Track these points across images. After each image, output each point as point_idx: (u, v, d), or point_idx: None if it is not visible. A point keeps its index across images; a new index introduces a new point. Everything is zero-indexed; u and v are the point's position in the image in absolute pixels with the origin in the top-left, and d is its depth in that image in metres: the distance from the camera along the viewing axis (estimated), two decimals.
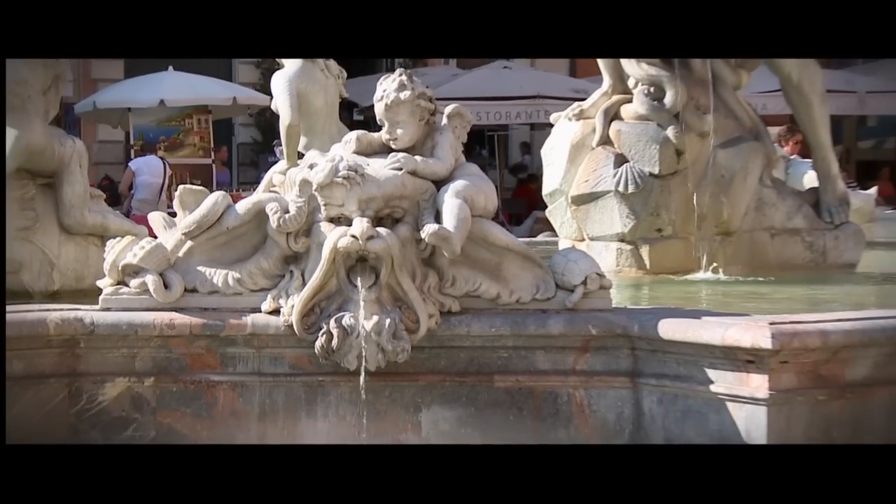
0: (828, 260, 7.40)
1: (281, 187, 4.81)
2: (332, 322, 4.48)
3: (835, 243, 7.44)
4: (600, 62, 7.48)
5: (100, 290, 4.72)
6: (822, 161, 7.79)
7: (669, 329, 4.50)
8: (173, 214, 4.97)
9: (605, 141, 7.19)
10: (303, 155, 5.44)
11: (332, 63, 8.28)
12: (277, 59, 8.36)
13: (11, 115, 5.61)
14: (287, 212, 4.57)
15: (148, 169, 17.41)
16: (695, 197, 7.01)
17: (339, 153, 4.65)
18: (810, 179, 8.50)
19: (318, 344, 4.49)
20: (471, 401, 4.64)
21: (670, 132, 6.97)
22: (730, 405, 4.38)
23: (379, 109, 4.80)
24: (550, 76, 22.37)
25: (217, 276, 4.65)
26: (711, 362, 4.41)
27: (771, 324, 4.29)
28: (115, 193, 18.13)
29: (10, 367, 4.56)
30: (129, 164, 18.29)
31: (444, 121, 4.82)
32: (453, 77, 21.94)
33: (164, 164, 17.72)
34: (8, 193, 5.72)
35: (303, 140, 7.81)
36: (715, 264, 7.12)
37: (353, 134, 4.88)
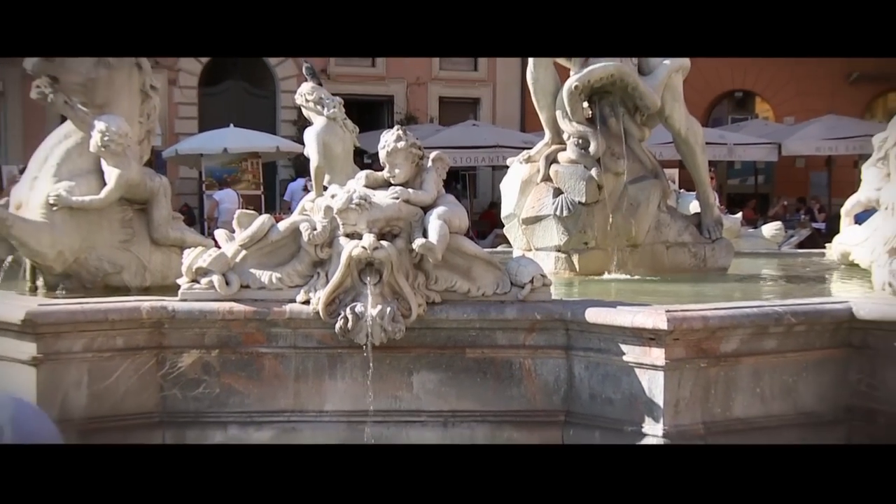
0: (707, 265, 7.40)
1: (311, 212, 4.79)
2: (347, 310, 4.47)
3: (712, 253, 7.44)
4: (543, 121, 7.44)
5: (178, 287, 4.70)
6: (703, 194, 7.79)
7: (593, 315, 4.49)
8: None
9: (547, 178, 7.16)
10: (327, 188, 5.42)
11: (348, 121, 8.28)
12: (308, 117, 8.34)
13: (116, 159, 5.57)
14: (315, 229, 4.56)
15: (227, 199, 17.83)
16: (611, 219, 7.00)
17: (353, 187, 4.64)
18: (694, 206, 8.50)
19: (337, 325, 4.48)
20: (449, 367, 4.63)
21: (593, 172, 6.95)
22: (637, 370, 4.38)
23: (382, 155, 4.78)
24: (507, 131, 22.40)
25: (264, 276, 4.62)
26: (623, 339, 4.40)
27: (667, 311, 4.31)
28: (192, 216, 18.19)
29: (114, 342, 4.55)
30: (214, 195, 18.55)
31: (430, 163, 4.80)
32: (436, 131, 21.96)
33: (237, 194, 18.00)
34: (112, 216, 5.69)
35: (327, 177, 7.80)
36: (625, 268, 7.14)
37: (364, 172, 4.89)
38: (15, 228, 5.42)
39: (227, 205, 17.30)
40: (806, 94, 24.86)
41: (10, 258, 5.75)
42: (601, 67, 6.98)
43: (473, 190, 23.95)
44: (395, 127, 4.93)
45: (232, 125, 20.22)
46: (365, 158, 17.46)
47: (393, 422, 4.56)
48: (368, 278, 4.47)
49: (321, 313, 4.50)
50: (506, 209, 7.46)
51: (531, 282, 4.62)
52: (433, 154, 4.87)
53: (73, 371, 4.46)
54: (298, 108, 8.71)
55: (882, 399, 4.63)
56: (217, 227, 16.02)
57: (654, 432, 4.31)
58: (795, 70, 24.91)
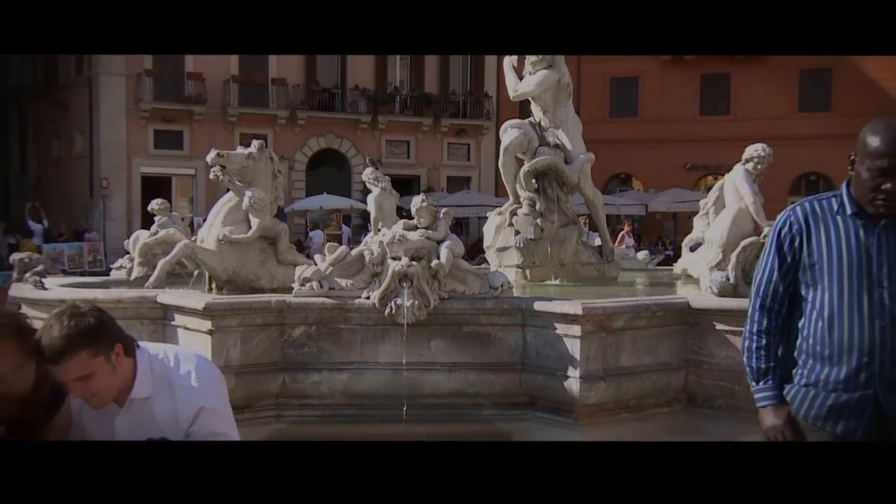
0: (605, 276, 7.32)
1: (371, 244, 4.76)
2: (392, 303, 4.42)
3: (608, 269, 7.36)
4: (508, 190, 7.28)
5: (293, 289, 4.65)
6: (603, 234, 7.71)
7: (539, 305, 4.45)
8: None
9: (510, 224, 7.13)
10: (380, 230, 5.40)
11: (393, 190, 8.25)
12: (369, 188, 8.29)
13: (257, 213, 5.51)
14: (373, 254, 4.53)
15: (315, 236, 18.41)
16: (549, 249, 6.96)
17: (396, 229, 4.61)
18: (597, 242, 8.39)
19: (386, 312, 4.43)
20: (452, 337, 4.56)
21: (539, 221, 6.92)
22: (564, 338, 4.31)
23: (413, 210, 4.77)
24: (487, 196, 22.59)
25: (343, 282, 4.58)
26: (556, 319, 4.35)
27: (582, 303, 4.26)
28: (301, 247, 18.37)
29: (255, 321, 4.47)
30: (310, 234, 18.90)
31: (442, 215, 4.78)
32: (445, 196, 22.06)
33: (324, 233, 18.28)
34: (255, 247, 5.61)
35: (380, 224, 7.76)
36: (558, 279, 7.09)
37: (402, 221, 4.86)
38: (199, 255, 5.44)
39: (316, 239, 17.88)
40: (661, 176, 25.54)
41: (196, 272, 5.77)
42: (542, 159, 6.97)
43: (467, 231, 24.06)
44: (421, 194, 4.94)
45: (325, 192, 20.61)
46: (403, 213, 17.46)
47: (418, 369, 4.49)
48: (404, 284, 4.43)
49: (377, 305, 4.46)
50: (486, 243, 7.40)
51: (501, 286, 4.58)
52: (443, 209, 4.85)
53: (232, 338, 4.42)
54: (363, 182, 8.72)
55: (705, 354, 4.59)
56: (310, 254, 16.37)
57: (574, 375, 4.25)
58: (656, 162, 25.60)
